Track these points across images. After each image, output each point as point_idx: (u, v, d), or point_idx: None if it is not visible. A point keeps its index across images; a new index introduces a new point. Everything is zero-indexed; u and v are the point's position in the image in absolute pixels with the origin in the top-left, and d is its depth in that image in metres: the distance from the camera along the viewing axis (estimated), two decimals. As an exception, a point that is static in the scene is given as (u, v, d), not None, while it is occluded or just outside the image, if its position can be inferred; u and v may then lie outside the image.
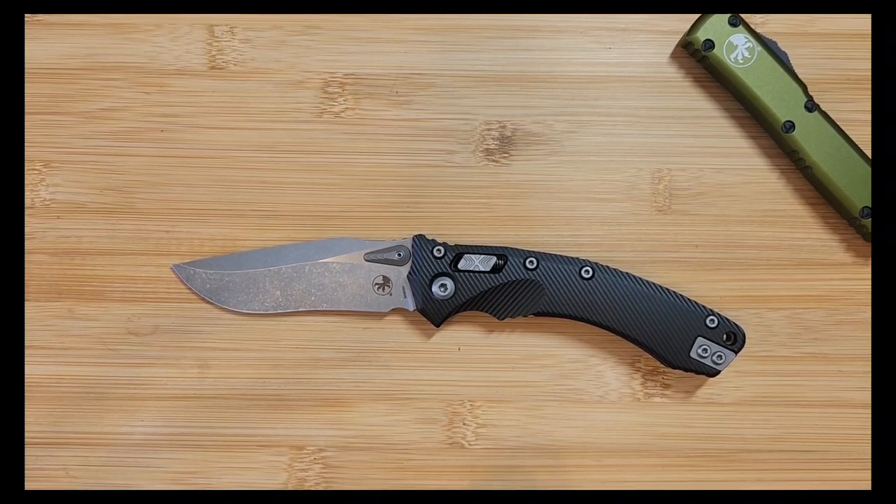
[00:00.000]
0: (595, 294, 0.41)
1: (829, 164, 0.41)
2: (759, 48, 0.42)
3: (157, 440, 0.43)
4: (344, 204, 0.44)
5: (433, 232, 0.43)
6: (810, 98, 0.42)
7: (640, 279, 0.41)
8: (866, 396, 0.43)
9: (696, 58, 0.43)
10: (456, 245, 0.42)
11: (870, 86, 0.43)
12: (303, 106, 0.44)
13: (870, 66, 0.43)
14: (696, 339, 0.40)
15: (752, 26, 0.42)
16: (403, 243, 0.42)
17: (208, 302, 0.43)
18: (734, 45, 0.42)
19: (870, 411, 0.42)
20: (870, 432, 0.42)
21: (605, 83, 0.44)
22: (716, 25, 0.42)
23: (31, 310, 0.43)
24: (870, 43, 0.43)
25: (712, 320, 0.40)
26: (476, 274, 0.41)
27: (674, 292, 0.41)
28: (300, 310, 0.43)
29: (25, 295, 0.43)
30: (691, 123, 0.44)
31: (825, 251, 0.43)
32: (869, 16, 0.43)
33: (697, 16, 0.42)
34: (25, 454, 0.42)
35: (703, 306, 0.41)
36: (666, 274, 0.43)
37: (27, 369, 0.43)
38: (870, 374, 0.42)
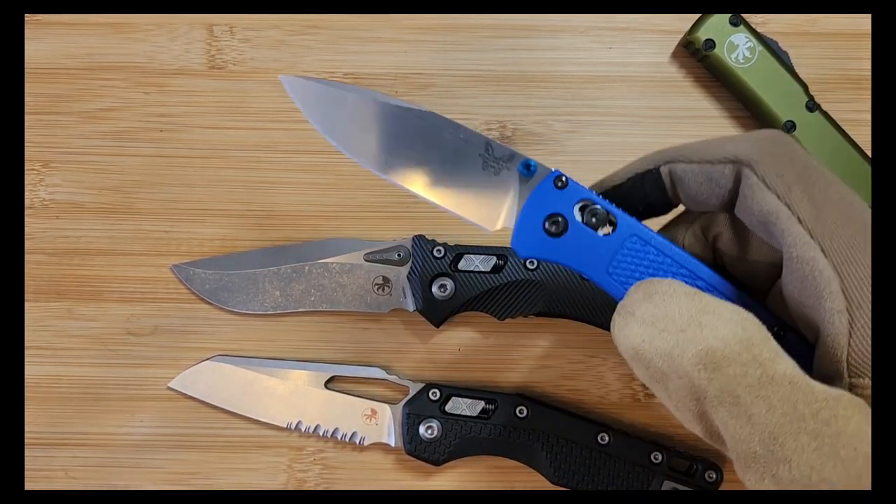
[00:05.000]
0: (595, 294, 0.41)
1: (830, 164, 0.41)
2: (760, 48, 0.42)
3: (157, 441, 0.43)
4: (343, 204, 0.43)
5: (433, 232, 0.42)
6: (811, 98, 0.42)
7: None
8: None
9: (696, 57, 0.43)
10: (456, 245, 0.41)
11: (870, 85, 0.43)
12: (302, 106, 0.44)
13: (870, 66, 0.43)
14: (696, 339, 0.40)
15: (753, 26, 0.42)
16: (403, 243, 0.42)
17: (207, 302, 0.43)
18: (735, 44, 0.42)
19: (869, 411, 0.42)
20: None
21: (606, 83, 0.44)
22: (717, 25, 0.42)
23: (30, 310, 0.43)
24: (870, 42, 0.43)
25: (713, 321, 0.40)
26: (476, 274, 0.41)
27: (674, 293, 0.41)
28: (300, 310, 0.42)
29: (24, 295, 0.43)
30: (692, 123, 0.43)
31: (826, 251, 0.43)
32: (869, 16, 0.43)
33: (698, 15, 0.42)
34: (25, 454, 0.42)
35: (704, 307, 0.41)
36: (666, 274, 0.43)
37: (26, 370, 0.42)
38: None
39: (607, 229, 0.27)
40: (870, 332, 0.22)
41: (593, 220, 0.27)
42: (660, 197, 0.28)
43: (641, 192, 0.28)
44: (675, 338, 0.23)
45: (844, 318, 0.22)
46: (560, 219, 0.27)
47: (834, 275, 0.22)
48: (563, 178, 0.27)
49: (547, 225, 0.27)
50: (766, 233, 0.25)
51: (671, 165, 0.27)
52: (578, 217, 0.27)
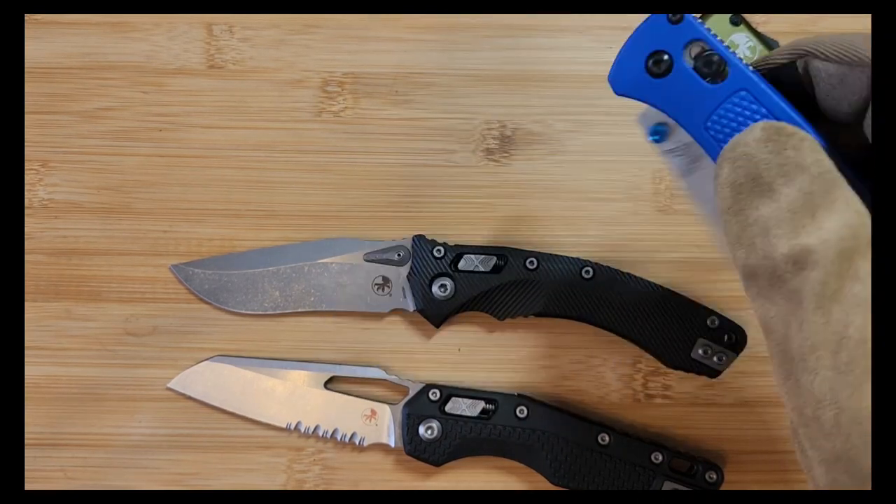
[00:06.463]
0: (596, 294, 0.40)
1: (830, 164, 0.41)
2: (760, 47, 0.42)
3: (156, 441, 0.43)
4: (343, 204, 0.43)
5: (433, 232, 0.42)
6: (812, 97, 0.42)
7: (642, 279, 0.41)
8: (868, 397, 0.42)
9: (697, 57, 0.43)
10: (456, 245, 0.41)
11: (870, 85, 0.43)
12: (302, 105, 0.44)
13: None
14: (697, 339, 0.40)
15: (754, 25, 0.42)
16: (403, 243, 0.42)
17: (207, 302, 0.43)
18: (735, 44, 0.42)
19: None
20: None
21: (606, 82, 0.44)
22: (717, 24, 0.42)
23: (28, 310, 0.43)
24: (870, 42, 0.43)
25: (713, 321, 0.40)
26: (476, 274, 0.41)
27: (675, 292, 0.41)
28: (299, 310, 0.42)
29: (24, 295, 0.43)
30: (692, 123, 0.43)
31: (827, 251, 0.43)
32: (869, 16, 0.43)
33: (699, 15, 0.42)
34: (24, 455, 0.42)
35: (705, 307, 0.41)
36: (667, 274, 0.42)
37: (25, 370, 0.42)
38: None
39: (716, 78, 0.24)
40: None
41: (702, 64, 0.24)
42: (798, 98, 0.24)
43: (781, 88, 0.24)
44: (780, 216, 0.21)
45: None
46: (665, 58, 0.24)
47: None
48: (679, 14, 0.24)
49: (650, 63, 0.24)
50: None
51: (807, 60, 0.23)
52: (686, 59, 0.24)
